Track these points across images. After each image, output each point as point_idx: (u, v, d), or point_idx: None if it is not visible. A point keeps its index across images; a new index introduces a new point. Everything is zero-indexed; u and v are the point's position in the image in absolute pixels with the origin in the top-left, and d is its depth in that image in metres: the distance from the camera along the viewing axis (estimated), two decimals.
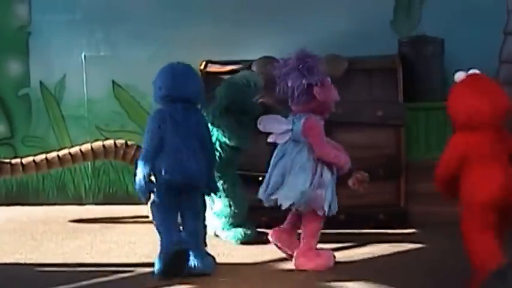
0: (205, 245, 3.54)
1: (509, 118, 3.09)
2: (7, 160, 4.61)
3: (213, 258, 3.51)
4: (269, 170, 3.52)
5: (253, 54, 4.39)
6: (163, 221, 3.42)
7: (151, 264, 3.59)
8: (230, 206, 3.94)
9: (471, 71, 3.16)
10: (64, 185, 5.05)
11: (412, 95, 4.23)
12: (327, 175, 3.46)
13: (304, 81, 3.40)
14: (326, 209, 3.43)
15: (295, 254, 3.51)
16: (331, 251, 3.55)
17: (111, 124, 4.96)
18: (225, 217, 3.96)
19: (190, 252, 3.39)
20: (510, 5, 4.62)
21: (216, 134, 3.89)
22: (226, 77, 4.17)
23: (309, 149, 3.46)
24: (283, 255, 3.62)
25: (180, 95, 3.43)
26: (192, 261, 3.40)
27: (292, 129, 3.49)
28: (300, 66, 3.41)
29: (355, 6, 4.69)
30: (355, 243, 3.79)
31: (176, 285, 3.31)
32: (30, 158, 4.59)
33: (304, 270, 3.45)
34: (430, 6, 4.65)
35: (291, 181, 3.42)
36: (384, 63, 4.21)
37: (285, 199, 3.43)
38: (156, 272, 3.39)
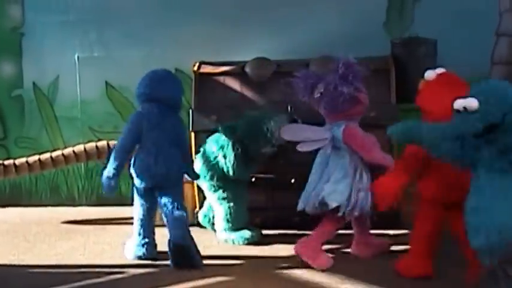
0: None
1: None
2: (0, 161, 4.60)
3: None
4: (313, 178, 3.56)
5: (247, 55, 4.39)
6: (140, 220, 3.72)
7: (144, 266, 3.61)
8: (231, 213, 3.95)
9: (439, 70, 3.31)
10: (57, 186, 5.05)
11: (404, 96, 4.23)
12: (365, 177, 3.52)
13: (352, 89, 3.49)
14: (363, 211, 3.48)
15: (299, 240, 3.54)
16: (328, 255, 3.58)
17: (104, 125, 4.95)
18: (227, 221, 3.97)
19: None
20: (502, 7, 4.63)
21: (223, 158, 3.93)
22: (249, 113, 4.03)
23: (350, 155, 3.51)
24: (282, 255, 3.65)
25: (154, 95, 3.61)
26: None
27: (327, 138, 3.54)
28: (348, 74, 3.49)
29: (348, 7, 4.69)
30: (348, 244, 3.79)
31: (172, 285, 3.31)
32: (23, 159, 4.59)
33: (301, 269, 3.47)
34: (423, 7, 4.66)
35: (337, 187, 3.46)
36: (377, 64, 4.21)
37: (333, 203, 3.44)
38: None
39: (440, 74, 3.30)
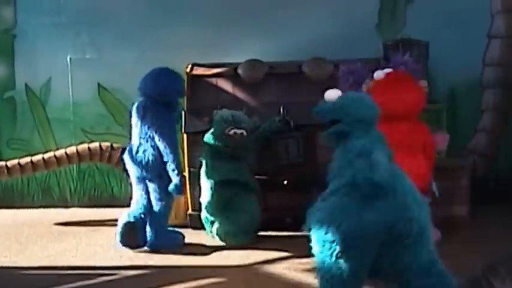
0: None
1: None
2: None
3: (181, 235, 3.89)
4: None
5: (239, 57, 4.40)
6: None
7: (137, 267, 3.60)
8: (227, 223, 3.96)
9: (387, 70, 3.63)
10: (49, 188, 5.03)
11: None
12: None
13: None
14: None
15: None
16: None
17: (97, 127, 4.95)
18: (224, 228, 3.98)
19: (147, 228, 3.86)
20: (494, 9, 4.66)
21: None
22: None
23: None
24: (276, 256, 3.66)
25: (146, 90, 3.87)
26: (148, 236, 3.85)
27: None
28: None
29: (340, 9, 4.71)
30: None
31: (164, 287, 3.31)
32: (15, 161, 4.58)
33: (295, 271, 3.46)
34: (415, 9, 4.68)
35: None
36: (369, 65, 4.22)
37: None
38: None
39: (388, 73, 3.59)
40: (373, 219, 2.64)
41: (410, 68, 3.70)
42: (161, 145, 3.81)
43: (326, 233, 2.68)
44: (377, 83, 3.60)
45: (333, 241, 2.65)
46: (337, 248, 2.65)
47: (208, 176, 3.95)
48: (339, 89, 3.57)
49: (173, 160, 3.82)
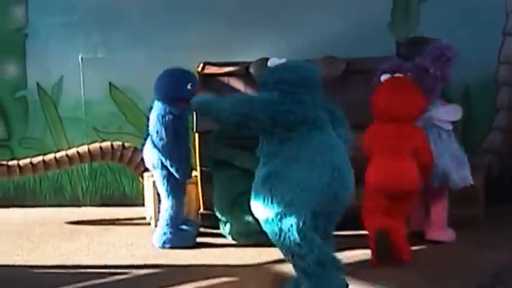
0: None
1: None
2: (4, 162, 4.60)
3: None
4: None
5: (251, 56, 4.37)
6: None
7: (148, 266, 3.60)
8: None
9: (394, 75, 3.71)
10: (61, 187, 5.04)
11: None
12: None
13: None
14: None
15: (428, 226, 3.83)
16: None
17: (108, 126, 4.94)
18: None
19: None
20: (509, 6, 4.61)
21: None
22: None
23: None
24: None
25: (155, 92, 3.98)
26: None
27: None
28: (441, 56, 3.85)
29: (353, 7, 4.67)
30: (351, 245, 3.77)
31: (176, 286, 3.30)
32: (27, 160, 4.58)
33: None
34: (428, 7, 4.64)
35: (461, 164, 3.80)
36: (382, 64, 4.19)
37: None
38: None
39: (391, 79, 3.69)
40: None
41: (448, 55, 3.79)
42: (160, 144, 3.92)
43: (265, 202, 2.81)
44: (380, 86, 3.70)
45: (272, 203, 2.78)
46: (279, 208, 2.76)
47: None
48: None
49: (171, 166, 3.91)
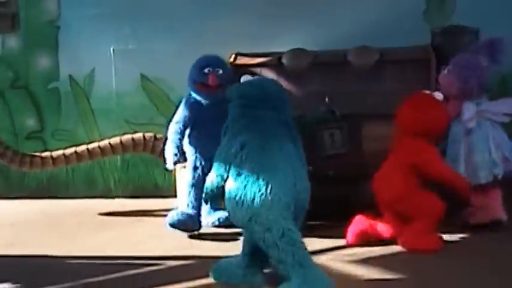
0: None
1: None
2: (37, 154, 4.63)
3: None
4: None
5: (283, 47, 4.34)
6: None
7: (181, 258, 3.59)
8: None
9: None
10: (93, 178, 5.06)
11: None
12: None
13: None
14: None
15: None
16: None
17: (140, 117, 4.95)
18: None
19: None
20: None
21: None
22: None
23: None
24: (319, 247, 3.62)
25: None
26: None
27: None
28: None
29: None
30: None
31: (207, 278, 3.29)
32: (60, 152, 4.61)
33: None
34: None
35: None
36: (416, 54, 4.12)
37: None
38: None
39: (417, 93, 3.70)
40: None
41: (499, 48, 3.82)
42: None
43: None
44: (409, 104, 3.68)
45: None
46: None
47: None
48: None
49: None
